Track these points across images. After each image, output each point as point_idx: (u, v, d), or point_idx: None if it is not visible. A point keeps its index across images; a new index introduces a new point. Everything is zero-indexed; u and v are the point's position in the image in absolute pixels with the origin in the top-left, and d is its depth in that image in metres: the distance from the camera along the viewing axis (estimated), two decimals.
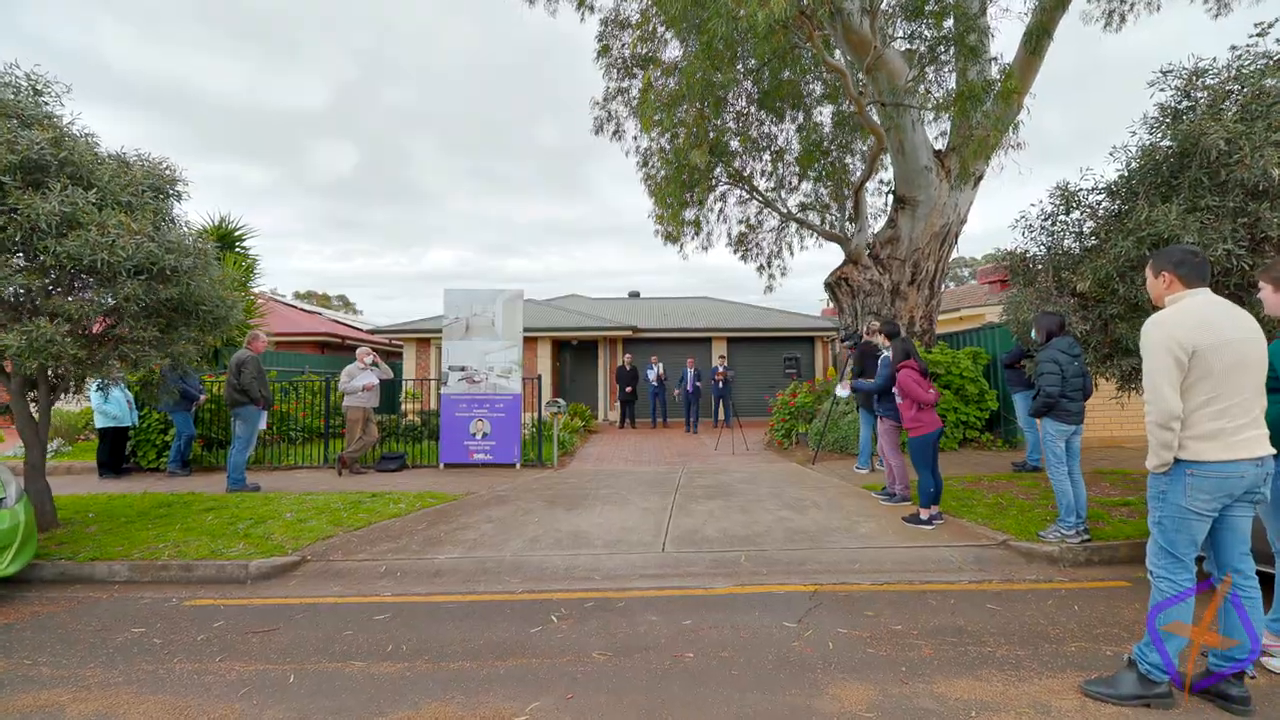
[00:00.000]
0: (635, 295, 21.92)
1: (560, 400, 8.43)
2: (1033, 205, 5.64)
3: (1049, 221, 5.57)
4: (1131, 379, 5.15)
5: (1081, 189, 5.33)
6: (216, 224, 12.00)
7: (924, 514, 5.00)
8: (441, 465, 8.36)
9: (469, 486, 6.99)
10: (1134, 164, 5.09)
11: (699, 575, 4.18)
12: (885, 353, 5.75)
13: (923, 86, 8.30)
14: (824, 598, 3.69)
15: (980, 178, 9.64)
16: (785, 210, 11.23)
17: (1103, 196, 5.27)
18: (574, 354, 16.79)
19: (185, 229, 5.67)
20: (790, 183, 12.30)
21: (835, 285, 9.90)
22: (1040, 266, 5.69)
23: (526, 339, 15.56)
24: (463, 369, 8.43)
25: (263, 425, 7.42)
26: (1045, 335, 4.63)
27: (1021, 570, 4.20)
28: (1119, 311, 4.98)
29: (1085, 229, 5.36)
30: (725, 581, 4.04)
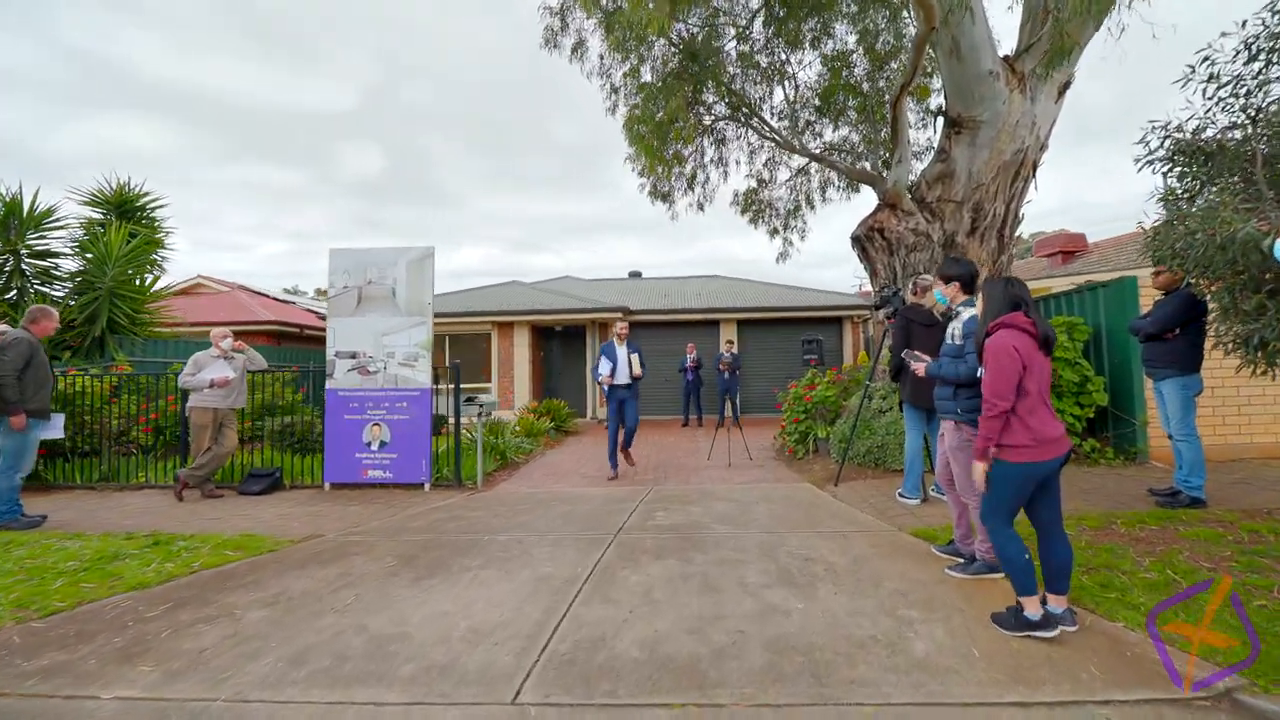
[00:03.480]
0: (636, 275, 19.52)
1: (483, 396, 6.18)
2: (1225, 35, 3.13)
3: (1265, 62, 3.05)
4: None
5: None
6: (115, 189, 10.09)
7: (1030, 608, 2.57)
8: (327, 485, 6.21)
9: (321, 524, 4.81)
10: None
11: None
12: (963, 313, 3.29)
13: None
14: None
15: (1068, 84, 7.00)
16: (799, 145, 8.70)
17: None
18: (561, 342, 14.57)
19: None
20: (806, 120, 9.78)
21: (866, 239, 7.39)
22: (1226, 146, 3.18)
23: (501, 324, 13.43)
24: (353, 356, 6.25)
25: (56, 433, 5.37)
26: None
27: None
28: None
29: None
30: None
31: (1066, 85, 7.03)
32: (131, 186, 10.20)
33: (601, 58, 8.06)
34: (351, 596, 3.28)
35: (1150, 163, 3.42)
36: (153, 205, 10.44)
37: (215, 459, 6.02)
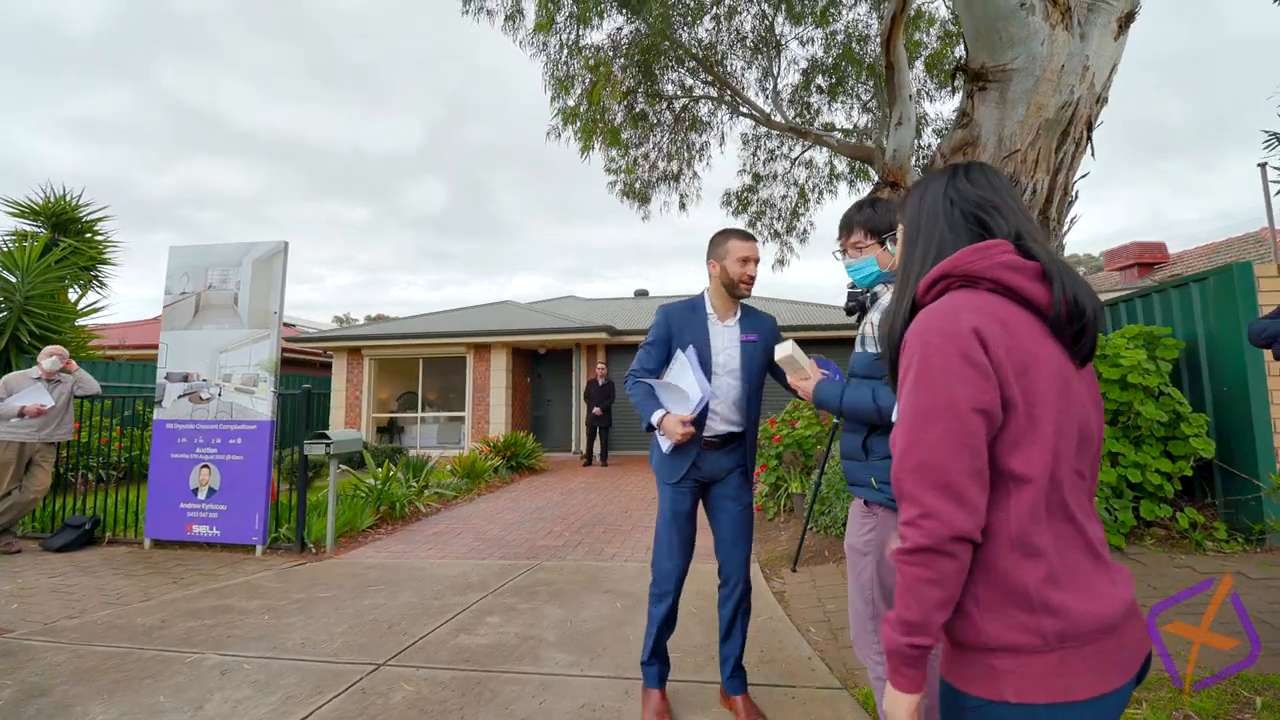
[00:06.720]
0: (643, 294, 18.05)
1: (335, 434, 4.77)
2: None
3: None
4: None
5: None
6: (48, 200, 9.44)
7: None
8: (148, 543, 4.91)
9: (42, 608, 3.44)
10: None
11: None
12: (883, 296, 1.68)
13: None
14: None
15: (1131, 16, 5.15)
16: (783, 120, 7.08)
17: None
18: (548, 367, 13.19)
19: None
20: (804, 101, 8.20)
21: None
22: None
23: (476, 346, 12.16)
24: (185, 378, 4.99)
25: None
26: None
27: None
28: None
29: None
30: None
31: (1129, 18, 5.14)
32: (69, 197, 9.58)
33: (539, 25, 6.77)
34: None
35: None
36: (93, 219, 9.80)
37: (16, 507, 4.83)
